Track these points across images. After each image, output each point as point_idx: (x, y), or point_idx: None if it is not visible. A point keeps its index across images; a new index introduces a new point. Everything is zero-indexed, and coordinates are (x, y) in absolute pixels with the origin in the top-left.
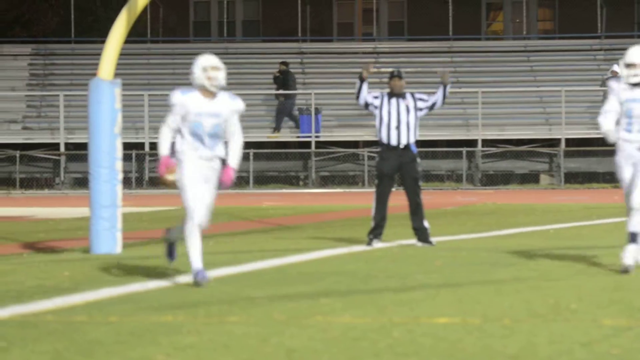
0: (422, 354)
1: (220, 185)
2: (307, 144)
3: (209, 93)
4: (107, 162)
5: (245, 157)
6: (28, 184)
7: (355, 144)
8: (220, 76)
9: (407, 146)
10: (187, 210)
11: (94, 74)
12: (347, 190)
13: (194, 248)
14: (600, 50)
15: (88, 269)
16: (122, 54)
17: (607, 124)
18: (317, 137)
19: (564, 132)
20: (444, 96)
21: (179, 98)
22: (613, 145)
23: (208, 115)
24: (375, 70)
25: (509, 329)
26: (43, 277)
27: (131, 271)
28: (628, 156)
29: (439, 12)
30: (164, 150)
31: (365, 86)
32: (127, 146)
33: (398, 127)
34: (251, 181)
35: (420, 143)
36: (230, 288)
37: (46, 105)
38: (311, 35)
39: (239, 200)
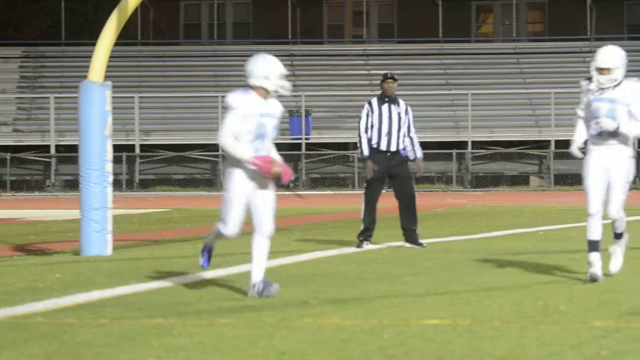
0: (412, 355)
1: (279, 182)
2: (297, 146)
3: (265, 95)
4: (97, 164)
5: None
6: (19, 186)
7: (345, 146)
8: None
9: (397, 151)
10: (223, 222)
11: (85, 76)
12: (338, 192)
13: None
14: (589, 52)
15: (78, 271)
16: (113, 56)
17: (576, 133)
18: (307, 139)
19: (553, 134)
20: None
21: (241, 99)
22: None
23: (269, 116)
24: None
25: (499, 331)
26: (33, 279)
27: (121, 273)
28: (598, 159)
29: (428, 14)
30: (248, 152)
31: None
32: (117, 148)
33: (389, 134)
34: None
35: None
36: (220, 290)
37: (37, 107)
38: (301, 38)
39: None
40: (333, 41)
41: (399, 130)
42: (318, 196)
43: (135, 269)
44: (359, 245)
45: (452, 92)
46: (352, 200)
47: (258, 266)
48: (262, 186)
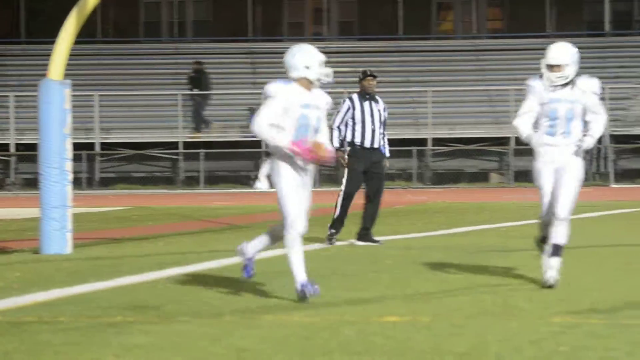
0: (372, 352)
1: (322, 161)
2: (257, 144)
3: (309, 86)
4: (57, 163)
5: (195, 157)
6: None
7: None
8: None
9: (378, 148)
10: (288, 219)
11: (44, 75)
12: None
13: (297, 259)
14: None
15: (38, 270)
16: (73, 55)
17: (526, 128)
18: None
19: (513, 131)
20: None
21: (281, 89)
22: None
23: (312, 107)
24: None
25: (459, 327)
26: None
27: (81, 272)
28: (550, 161)
29: (389, 11)
30: (284, 139)
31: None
32: (77, 146)
33: (373, 131)
34: (201, 181)
35: None
36: (180, 288)
37: None
38: (262, 35)
39: (189, 200)
40: (293, 39)
41: (380, 127)
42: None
43: (94, 267)
44: (330, 242)
45: (412, 89)
46: (314, 196)
47: (301, 266)
48: (304, 185)
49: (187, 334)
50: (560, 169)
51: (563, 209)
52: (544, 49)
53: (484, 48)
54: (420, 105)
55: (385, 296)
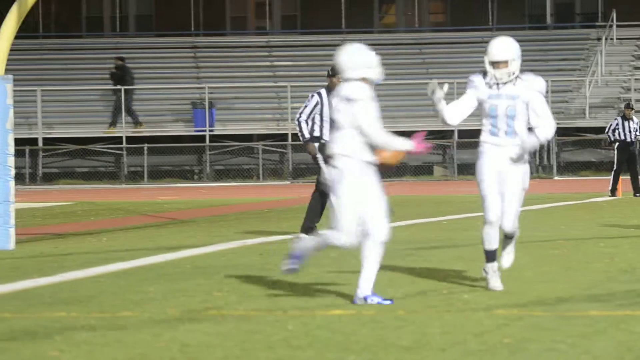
0: (316, 346)
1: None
2: (201, 138)
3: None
4: None
5: (139, 152)
6: None
7: (249, 138)
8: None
9: None
10: (336, 229)
11: None
12: (242, 183)
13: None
14: None
15: None
16: (13, 50)
17: (447, 109)
18: (211, 131)
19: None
20: None
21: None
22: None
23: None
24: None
25: (403, 320)
26: None
27: (24, 267)
28: (494, 162)
29: (332, 5)
30: (403, 141)
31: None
32: (20, 142)
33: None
34: (145, 176)
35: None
36: (124, 283)
37: None
38: (204, 30)
39: (134, 195)
40: (236, 33)
41: None
42: (222, 188)
43: (38, 263)
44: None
45: None
46: (257, 191)
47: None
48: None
49: (130, 329)
50: (504, 176)
51: (508, 223)
52: (486, 42)
53: (427, 41)
54: None
55: (329, 290)
